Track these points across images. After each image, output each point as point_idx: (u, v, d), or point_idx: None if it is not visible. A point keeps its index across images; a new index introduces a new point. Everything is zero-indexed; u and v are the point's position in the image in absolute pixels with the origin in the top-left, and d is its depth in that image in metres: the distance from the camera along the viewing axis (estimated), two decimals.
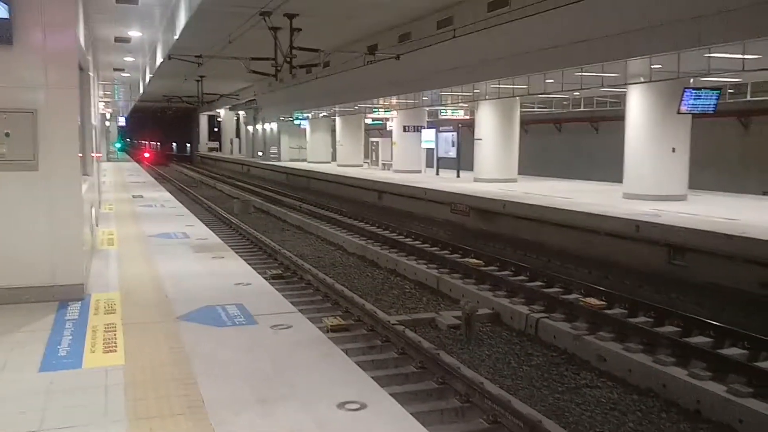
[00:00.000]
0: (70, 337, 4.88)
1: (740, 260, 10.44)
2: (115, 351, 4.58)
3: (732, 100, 20.98)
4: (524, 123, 27.26)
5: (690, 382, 6.62)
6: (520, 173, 23.59)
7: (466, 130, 29.13)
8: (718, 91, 15.74)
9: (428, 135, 28.72)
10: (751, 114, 24.98)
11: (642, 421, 6.28)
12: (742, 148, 26.16)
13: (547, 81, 19.42)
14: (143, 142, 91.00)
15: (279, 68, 20.53)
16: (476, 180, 23.11)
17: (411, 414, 3.62)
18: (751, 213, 13.59)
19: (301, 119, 40.32)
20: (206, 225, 12.08)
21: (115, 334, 4.95)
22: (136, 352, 4.56)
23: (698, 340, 8.02)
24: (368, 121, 36.38)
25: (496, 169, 22.91)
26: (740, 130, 26.18)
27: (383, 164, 32.75)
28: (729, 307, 9.79)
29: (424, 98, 26.84)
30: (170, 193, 19.42)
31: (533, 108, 31.83)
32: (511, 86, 20.62)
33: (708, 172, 22.61)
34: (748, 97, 20.14)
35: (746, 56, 12.54)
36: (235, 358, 4.43)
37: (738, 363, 7.14)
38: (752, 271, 10.25)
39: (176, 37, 19.41)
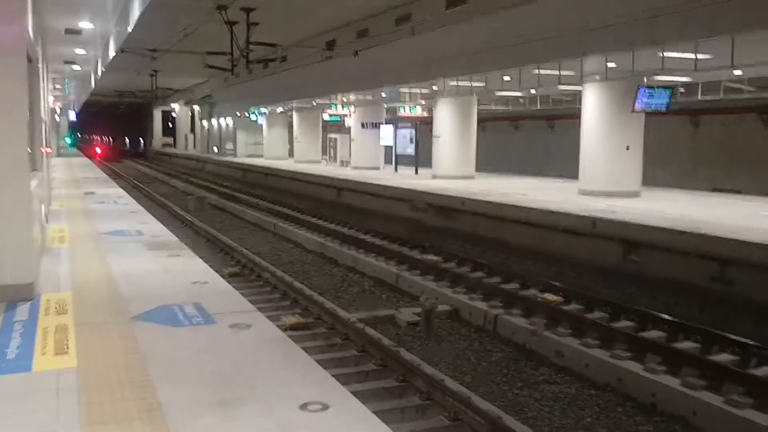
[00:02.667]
0: (19, 339, 4.70)
1: (692, 255, 10.66)
2: (67, 353, 4.42)
3: (683, 99, 21.44)
4: (482, 121, 27.41)
5: (646, 376, 6.72)
6: (477, 170, 23.76)
7: (424, 127, 29.19)
8: (671, 90, 16.06)
9: (387, 132, 28.70)
10: (701, 113, 25.57)
11: (599, 415, 6.35)
12: (692, 146, 26.77)
13: (505, 79, 19.59)
14: (95, 137, 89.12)
15: (235, 63, 20.29)
16: (435, 177, 23.18)
17: (373, 413, 3.57)
18: (701, 209, 13.90)
19: (257, 115, 39.92)
20: (161, 222, 11.83)
21: (67, 336, 4.79)
22: (89, 354, 4.41)
23: (653, 334, 8.16)
24: (326, 117, 36.20)
25: (454, 166, 23.02)
26: (691, 129, 26.78)
27: (341, 161, 32.62)
28: (682, 301, 9.99)
29: (382, 95, 26.82)
30: (123, 189, 19.00)
31: (490, 106, 32.05)
32: (469, 84, 20.74)
33: (660, 169, 23.07)
34: (699, 97, 20.60)
35: (698, 56, 12.81)
36: (193, 359, 4.32)
37: (692, 356, 7.28)
38: (704, 266, 10.47)
39: (129, 29, 19.00)
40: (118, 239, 9.25)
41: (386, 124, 29.55)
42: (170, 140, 67.48)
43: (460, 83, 21.04)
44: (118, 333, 4.87)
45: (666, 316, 8.57)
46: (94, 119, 73.86)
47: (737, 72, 15.78)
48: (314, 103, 32.88)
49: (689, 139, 26.86)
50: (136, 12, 17.60)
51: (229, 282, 7.11)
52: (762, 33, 10.99)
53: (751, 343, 7.45)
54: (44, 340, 4.68)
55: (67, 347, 4.53)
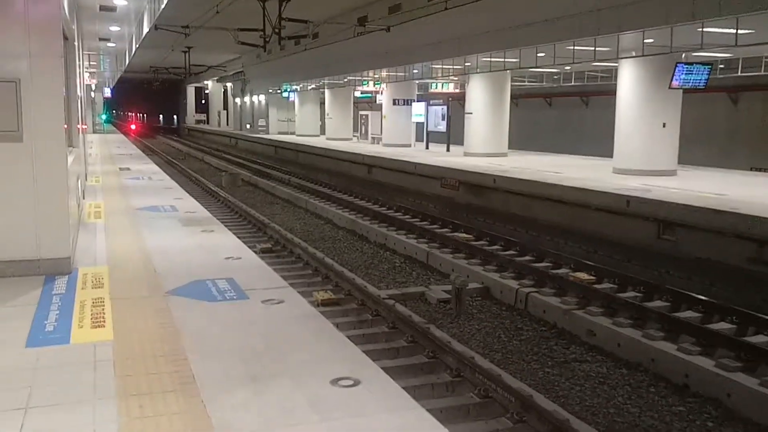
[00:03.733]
0: (57, 312, 4.81)
1: (729, 235, 10.47)
2: (104, 326, 4.52)
3: (722, 76, 20.93)
4: (515, 97, 27.15)
5: (679, 356, 6.65)
6: (510, 147, 23.52)
7: (456, 103, 28.96)
8: (710, 66, 15.68)
9: (418, 108, 28.54)
10: (740, 89, 24.96)
11: (631, 395, 6.31)
12: (731, 123, 26.19)
13: (539, 55, 19.29)
14: (130, 113, 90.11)
15: (267, 39, 20.26)
16: (466, 154, 23.02)
17: (403, 389, 3.59)
18: (739, 188, 13.61)
19: (289, 92, 39.95)
20: (194, 198, 11.97)
21: (103, 309, 4.89)
22: (125, 327, 4.50)
23: (687, 314, 8.05)
24: (357, 94, 36.10)
25: (487, 143, 22.82)
26: (730, 106, 26.19)
27: (373, 138, 32.56)
28: (718, 282, 9.83)
29: (414, 71, 26.62)
30: (157, 165, 19.22)
31: (524, 82, 31.67)
32: (503, 59, 20.47)
33: (697, 147, 22.62)
34: (739, 73, 20.09)
35: (739, 31, 12.46)
36: (226, 334, 4.38)
37: (726, 337, 7.18)
38: (741, 247, 10.28)
39: (162, 6, 19.07)
40: (153, 215, 9.38)
41: (418, 101, 29.39)
42: (203, 117, 67.95)
43: (493, 59, 20.78)
44: (152, 307, 4.95)
45: (701, 297, 8.44)
46: (128, 96, 74.69)
47: None
48: (346, 80, 32.78)
49: (728, 116, 26.28)
50: None
51: (261, 258, 7.17)
52: None
53: None
54: (81, 314, 4.78)
55: (104, 320, 4.63)
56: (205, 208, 10.96)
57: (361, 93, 36.04)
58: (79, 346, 4.16)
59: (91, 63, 28.06)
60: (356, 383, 3.54)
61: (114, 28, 21.10)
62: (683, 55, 15.48)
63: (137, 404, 3.32)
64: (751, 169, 19.81)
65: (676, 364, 6.59)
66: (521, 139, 27.43)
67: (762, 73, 20.10)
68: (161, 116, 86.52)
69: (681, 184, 14.35)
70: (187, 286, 5.51)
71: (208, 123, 65.81)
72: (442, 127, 27.12)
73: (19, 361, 3.90)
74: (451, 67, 24.80)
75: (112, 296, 5.24)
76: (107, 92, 48.78)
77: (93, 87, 34.28)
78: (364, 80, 32.35)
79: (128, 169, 16.53)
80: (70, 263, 6.01)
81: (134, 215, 9.30)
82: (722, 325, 7.67)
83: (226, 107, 59.28)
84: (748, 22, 12.22)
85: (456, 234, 12.79)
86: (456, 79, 28.20)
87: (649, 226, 11.96)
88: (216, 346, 4.16)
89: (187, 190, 13.31)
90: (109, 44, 25.07)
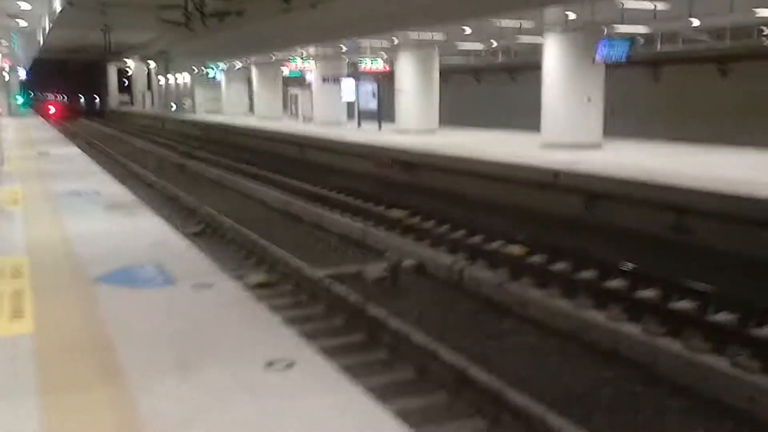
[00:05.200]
0: None
1: (655, 206, 10.80)
2: (24, 318, 4.30)
3: (643, 51, 21.50)
4: (443, 74, 27.22)
5: (608, 325, 6.83)
6: (441, 124, 23.64)
7: (386, 81, 28.88)
8: (631, 40, 16.07)
9: (348, 86, 28.35)
10: (661, 63, 25.72)
11: (563, 363, 6.45)
12: (652, 96, 26.98)
13: (466, 31, 19.38)
14: (49, 96, 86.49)
15: (190, 17, 19.71)
16: (398, 132, 23.03)
17: (340, 369, 3.54)
18: (661, 159, 14.06)
19: (215, 71, 39.06)
20: (120, 182, 11.57)
21: (22, 300, 4.65)
22: (46, 318, 4.29)
23: (615, 284, 8.28)
24: (286, 72, 35.56)
25: (417, 121, 22.89)
26: (651, 79, 26.96)
27: (304, 117, 32.22)
28: (644, 251, 10.14)
29: (343, 48, 26.39)
30: (79, 149, 18.51)
31: (452, 59, 31.79)
32: (430, 36, 20.48)
33: (620, 119, 23.21)
34: (659, 48, 20.68)
35: (657, 4, 12.79)
36: (153, 321, 4.23)
37: (653, 304, 7.41)
38: (666, 216, 10.62)
39: None
40: (75, 200, 9.01)
41: (348, 78, 29.18)
42: (127, 98, 65.85)
43: (421, 36, 20.77)
44: (76, 296, 4.74)
45: (628, 266, 8.69)
46: (47, 78, 71.53)
47: (695, 22, 15.83)
48: (273, 58, 32.23)
49: (649, 89, 27.05)
50: None
51: (191, 242, 6.99)
52: None
53: (708, 290, 7.60)
54: None
55: (23, 312, 4.40)
56: (132, 192, 10.60)
57: (290, 71, 35.50)
58: None
59: (2, 42, 26.72)
60: (290, 365, 3.47)
61: (24, 5, 20.10)
62: (605, 31, 15.82)
63: (60, 398, 3.17)
64: (671, 140, 20.48)
65: (606, 332, 6.77)
66: (452, 115, 27.57)
67: (680, 48, 20.74)
68: (83, 98, 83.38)
69: (607, 156, 14.71)
70: (112, 273, 5.31)
71: (132, 104, 63.83)
72: (373, 104, 27.04)
73: None
74: (379, 44, 24.68)
75: (32, 286, 5.00)
76: (22, 74, 46.66)
77: (6, 68, 32.70)
78: (293, 57, 31.88)
79: (48, 153, 15.85)
80: None
81: (55, 201, 8.91)
82: (648, 292, 7.91)
83: (150, 88, 57.56)
84: None
85: (390, 212, 12.79)
86: (385, 56, 28.10)
87: (577, 198, 12.22)
88: (143, 334, 4.01)
89: (111, 175, 12.85)
90: (21, 23, 23.90)
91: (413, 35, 21.01)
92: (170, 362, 3.56)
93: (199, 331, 4.04)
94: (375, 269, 9.06)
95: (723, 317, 7.03)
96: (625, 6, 13.36)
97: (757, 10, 13.63)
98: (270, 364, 3.48)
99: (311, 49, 28.39)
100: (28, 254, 6.00)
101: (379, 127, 26.14)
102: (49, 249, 6.21)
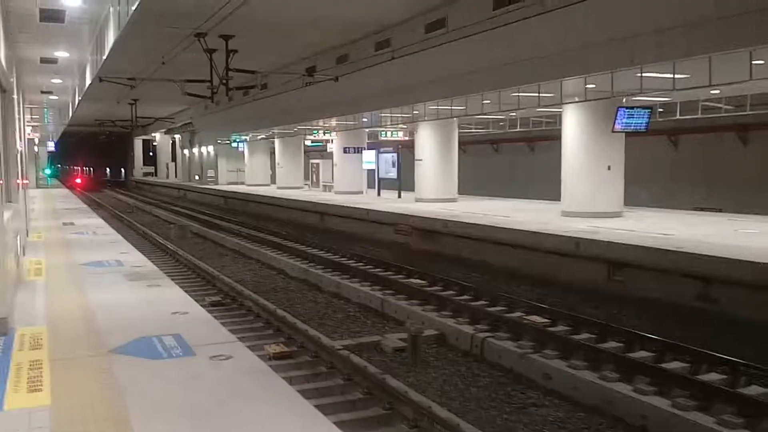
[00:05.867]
0: None
1: (676, 275, 10.65)
2: (41, 390, 4.27)
3: (662, 119, 21.63)
4: (463, 143, 27.54)
5: (635, 397, 6.64)
6: (459, 193, 23.76)
7: (406, 150, 29.25)
8: (650, 110, 16.19)
9: (369, 156, 28.72)
10: (679, 132, 25.85)
11: None
12: (672, 165, 27.01)
13: (485, 102, 19.66)
14: (75, 167, 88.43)
15: (215, 90, 20.22)
16: (417, 200, 23.15)
17: None
18: (683, 228, 13.93)
19: (238, 142, 39.81)
20: (141, 252, 11.66)
21: (41, 372, 4.63)
22: (64, 390, 4.26)
23: (641, 354, 8.09)
24: (308, 142, 36.18)
25: (437, 189, 23.02)
26: (670, 148, 27.06)
27: (324, 186, 32.56)
28: (668, 321, 9.95)
29: (363, 120, 26.85)
30: (103, 219, 18.78)
31: (471, 129, 32.21)
32: (450, 107, 20.80)
33: (642, 188, 23.20)
34: (677, 116, 20.80)
35: (676, 75, 12.91)
36: (172, 393, 4.18)
37: (680, 376, 7.21)
38: (688, 285, 10.46)
39: (104, 57, 18.86)
40: (97, 270, 9.08)
41: (368, 148, 29.59)
42: (151, 169, 67.10)
43: (441, 107, 21.10)
44: (94, 368, 4.72)
45: (653, 336, 8.50)
46: (74, 149, 73.34)
47: (714, 91, 15.96)
48: (295, 129, 32.85)
49: (669, 157, 27.12)
50: (111, 39, 17.46)
51: (210, 312, 6.98)
52: (736, 53, 11.11)
53: (739, 361, 7.39)
54: (17, 377, 4.52)
55: (41, 384, 4.38)
56: (152, 261, 10.68)
57: (312, 141, 36.14)
58: (13, 412, 3.91)
59: (34, 116, 27.54)
60: None
61: (56, 81, 20.80)
62: (624, 100, 15.96)
63: None
64: (693, 209, 20.35)
65: (633, 405, 6.57)
66: (471, 184, 27.76)
67: (699, 116, 20.84)
68: (108, 169, 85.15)
69: (628, 224, 14.61)
70: (131, 344, 5.29)
71: (156, 175, 64.97)
72: (393, 173, 27.31)
73: None
74: (399, 115, 25.10)
75: (51, 357, 4.98)
76: (51, 146, 47.90)
77: (36, 141, 33.57)
78: (314, 129, 32.46)
79: (72, 223, 16.08)
80: (7, 324, 5.72)
81: (77, 271, 8.98)
82: (676, 364, 7.72)
83: (174, 159, 58.68)
84: (684, 67, 12.69)
85: (410, 280, 12.72)
86: (405, 126, 28.52)
87: (599, 267, 12.09)
88: (161, 406, 3.96)
89: (133, 244, 12.99)
90: (52, 97, 24.69)
91: (432, 106, 21.36)
92: None
93: (217, 404, 3.97)
94: (394, 339, 8.95)
95: (756, 390, 6.82)
96: (644, 75, 13.51)
97: None
98: None
99: (333, 121, 28.91)
100: (48, 325, 6.01)
101: (399, 195, 26.31)
102: (70, 319, 6.22)
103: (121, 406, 3.96)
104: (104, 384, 4.35)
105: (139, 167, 68.73)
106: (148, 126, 51.86)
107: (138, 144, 68.07)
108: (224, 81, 19.60)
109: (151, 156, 68.63)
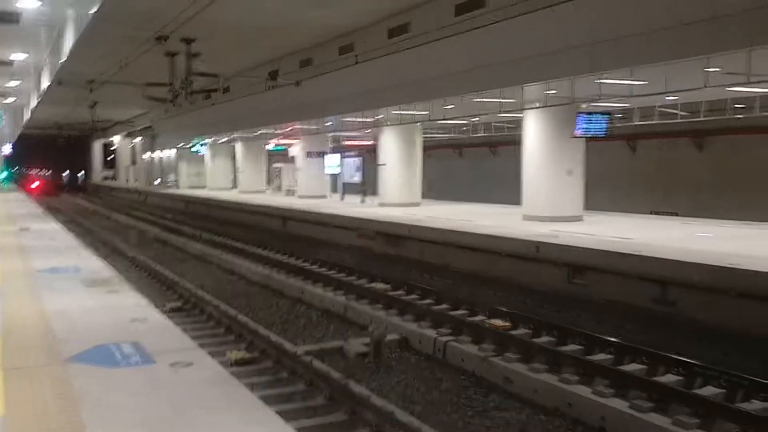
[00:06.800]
0: None
1: (634, 278, 10.84)
2: None
3: (620, 124, 22.01)
4: (426, 148, 27.65)
5: (594, 399, 6.74)
6: (423, 197, 23.85)
7: (370, 155, 29.28)
8: (609, 115, 16.47)
9: (332, 160, 28.68)
10: (637, 137, 26.34)
11: None
12: (630, 169, 27.51)
13: (448, 107, 19.79)
14: (33, 171, 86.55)
15: (176, 94, 20.00)
16: (381, 204, 23.18)
17: None
18: (641, 232, 14.19)
19: (199, 145, 39.39)
20: (100, 258, 11.46)
21: None
22: (17, 400, 4.15)
23: (600, 357, 8.21)
24: (270, 146, 35.96)
25: (400, 194, 23.08)
26: (629, 153, 27.54)
27: (287, 190, 32.40)
28: (627, 323, 10.11)
29: (327, 124, 26.81)
30: (61, 224, 18.40)
31: (435, 133, 32.37)
32: (413, 112, 20.89)
33: (601, 193, 23.56)
34: (636, 122, 21.18)
35: (634, 82, 13.17)
36: (129, 402, 4.10)
37: (638, 378, 7.34)
38: (646, 288, 10.65)
39: (62, 60, 18.51)
40: (54, 276, 8.88)
41: (332, 152, 29.54)
42: (111, 173, 66.03)
43: (404, 111, 21.18)
44: (49, 376, 4.61)
45: (612, 339, 8.64)
46: (32, 153, 71.73)
47: (671, 97, 16.30)
48: (258, 133, 32.65)
49: (628, 162, 27.60)
50: (70, 42, 17.12)
51: (170, 318, 6.88)
52: (690, 61, 11.38)
53: (695, 363, 7.55)
54: None
55: None
56: (112, 267, 10.50)
57: (274, 145, 35.92)
58: None
59: None
60: None
61: (12, 83, 20.33)
62: (584, 106, 16.21)
63: None
64: (651, 213, 20.75)
65: (592, 406, 6.67)
66: (434, 189, 27.91)
67: (656, 121, 21.26)
68: (67, 173, 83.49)
69: (587, 229, 14.83)
70: (88, 352, 5.18)
71: (116, 179, 63.97)
72: (357, 178, 27.30)
73: None
74: (362, 119, 25.11)
75: (4, 366, 4.85)
76: (7, 149, 46.83)
77: None
78: (277, 133, 32.29)
79: (28, 228, 15.71)
80: None
81: (33, 277, 8.77)
82: (633, 366, 7.85)
83: (134, 162, 57.85)
84: (642, 74, 12.95)
85: (373, 285, 12.73)
86: (369, 131, 28.53)
87: (559, 270, 12.25)
88: (118, 415, 3.89)
89: (92, 250, 12.75)
90: (7, 100, 24.12)
91: (396, 111, 21.43)
92: None
93: (177, 413, 3.92)
94: (357, 344, 8.95)
95: (711, 391, 6.97)
96: (603, 82, 13.76)
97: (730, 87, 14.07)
98: None
99: (296, 125, 28.80)
100: (2, 333, 5.86)
101: (362, 200, 26.32)
102: (25, 327, 6.07)
103: (76, 416, 3.88)
104: (59, 393, 4.26)
105: (98, 171, 67.59)
106: (107, 129, 51.07)
107: (97, 147, 66.96)
108: (185, 84, 19.39)
109: (110, 160, 67.55)
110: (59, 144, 60.04)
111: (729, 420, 6.15)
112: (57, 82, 20.38)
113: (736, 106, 19.53)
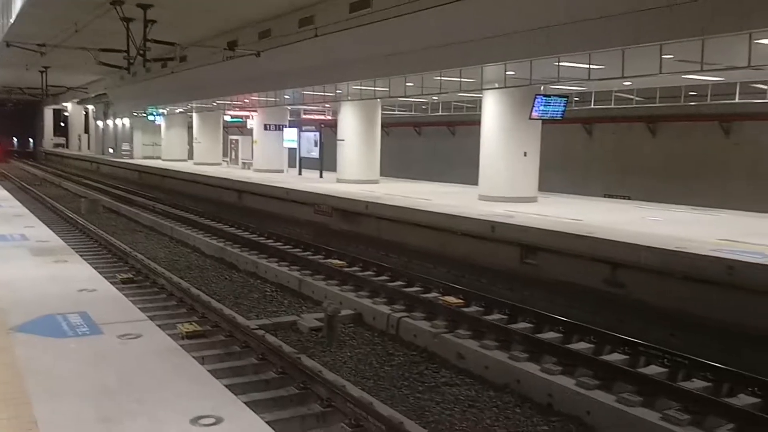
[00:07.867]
0: None
1: (586, 259, 11.04)
2: None
3: (577, 108, 22.32)
4: (385, 125, 27.60)
5: (542, 376, 6.88)
6: (381, 175, 23.83)
7: (329, 130, 29.10)
8: (566, 98, 16.65)
9: (290, 134, 28.41)
10: (593, 121, 26.74)
11: (498, 416, 6.44)
12: (586, 153, 27.93)
13: (407, 84, 19.75)
14: None
15: (132, 61, 19.52)
16: (339, 180, 23.10)
17: (270, 423, 3.44)
18: (593, 215, 14.44)
19: (155, 115, 38.61)
20: (49, 226, 11.17)
21: None
22: None
23: (549, 335, 8.37)
24: (227, 118, 35.45)
25: (359, 170, 23.00)
26: (585, 136, 27.95)
27: (243, 163, 32.04)
28: (576, 303, 10.31)
29: (285, 97, 26.52)
30: (8, 191, 17.90)
31: (394, 111, 32.34)
32: (373, 88, 20.79)
33: (556, 175, 23.89)
34: (592, 105, 21.50)
35: (592, 66, 13.31)
36: (76, 373, 4.03)
37: (585, 356, 7.51)
38: (596, 270, 10.86)
39: (11, 21, 17.88)
40: None
41: (290, 126, 29.25)
42: (62, 140, 64.37)
43: (364, 87, 21.06)
44: None
45: (562, 318, 8.80)
46: None
47: (627, 82, 16.55)
48: (215, 104, 32.13)
49: (583, 145, 28.01)
50: (19, 2, 16.51)
51: (120, 289, 6.77)
52: (647, 47, 11.55)
53: (640, 342, 7.75)
54: None
55: None
56: (60, 236, 10.25)
57: (231, 117, 35.41)
58: None
59: None
60: (218, 421, 3.35)
61: None
62: (542, 88, 16.35)
63: None
64: (604, 196, 21.13)
65: (540, 384, 6.81)
66: (393, 166, 27.90)
67: (612, 106, 21.62)
68: (15, 139, 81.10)
69: (542, 210, 15.03)
70: (34, 322, 5.07)
71: (67, 147, 62.39)
72: (315, 153, 27.11)
73: None
74: (322, 93, 24.91)
75: None
76: None
77: None
78: (234, 104, 31.85)
79: None
80: None
81: None
82: (581, 345, 8.02)
83: (87, 130, 56.45)
84: (600, 59, 13.10)
85: (329, 260, 12.72)
86: (328, 105, 28.33)
87: (513, 250, 12.41)
88: (64, 386, 3.82)
89: (40, 218, 12.42)
90: None
91: (356, 86, 21.29)
92: (91, 417, 3.39)
93: (124, 384, 3.87)
94: (311, 319, 8.95)
95: (654, 370, 7.17)
96: (561, 65, 13.88)
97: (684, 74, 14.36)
98: (196, 419, 3.35)
99: (253, 97, 28.42)
100: None
101: (321, 175, 26.19)
102: None
103: (20, 386, 3.80)
104: (4, 363, 4.16)
105: (49, 138, 65.83)
106: (59, 95, 49.66)
107: (48, 114, 65.15)
108: (141, 52, 18.94)
109: (62, 126, 65.82)
110: (8, 109, 58.25)
111: (671, 399, 6.33)
112: (5, 44, 19.68)
113: (691, 93, 19.97)
